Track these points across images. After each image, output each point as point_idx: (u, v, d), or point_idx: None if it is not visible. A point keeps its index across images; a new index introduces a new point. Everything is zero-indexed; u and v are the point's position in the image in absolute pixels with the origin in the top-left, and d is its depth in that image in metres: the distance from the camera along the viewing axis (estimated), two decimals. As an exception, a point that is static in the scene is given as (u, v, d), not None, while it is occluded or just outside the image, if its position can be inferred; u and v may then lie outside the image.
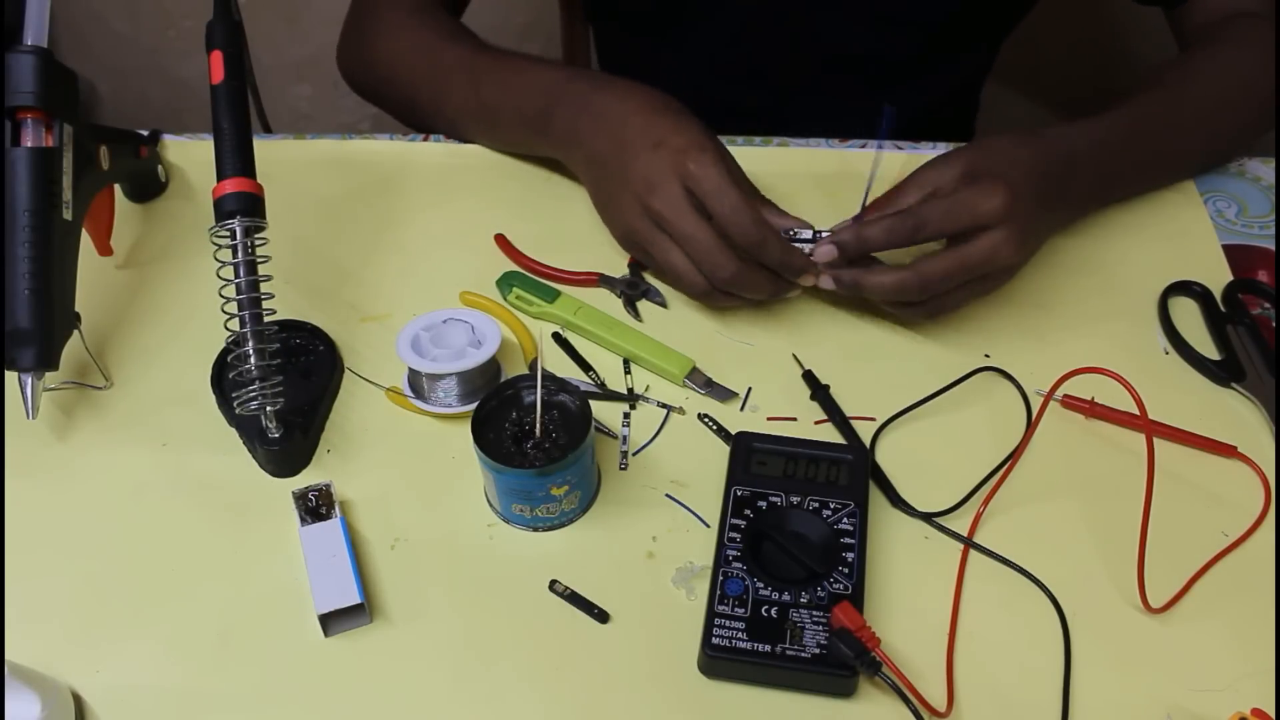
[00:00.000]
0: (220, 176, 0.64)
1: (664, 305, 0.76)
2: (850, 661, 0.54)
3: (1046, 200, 0.69)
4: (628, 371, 0.72)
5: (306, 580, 0.59)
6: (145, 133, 0.84)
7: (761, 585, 0.58)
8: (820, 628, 0.56)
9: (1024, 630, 0.59)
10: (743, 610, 0.57)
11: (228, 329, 0.64)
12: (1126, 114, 0.77)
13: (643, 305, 0.76)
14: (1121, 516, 0.62)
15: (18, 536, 0.63)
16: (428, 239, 0.81)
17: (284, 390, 0.65)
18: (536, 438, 0.62)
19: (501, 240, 0.80)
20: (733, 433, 0.67)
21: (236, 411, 0.64)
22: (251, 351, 0.63)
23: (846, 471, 0.63)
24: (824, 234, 0.69)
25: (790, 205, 0.73)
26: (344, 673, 0.58)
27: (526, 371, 0.69)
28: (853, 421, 0.68)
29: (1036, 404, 0.69)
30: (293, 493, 0.63)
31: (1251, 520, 0.63)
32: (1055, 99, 1.47)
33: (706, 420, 0.69)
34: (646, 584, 0.61)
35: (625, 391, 0.71)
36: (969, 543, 0.62)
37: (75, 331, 0.68)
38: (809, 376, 0.71)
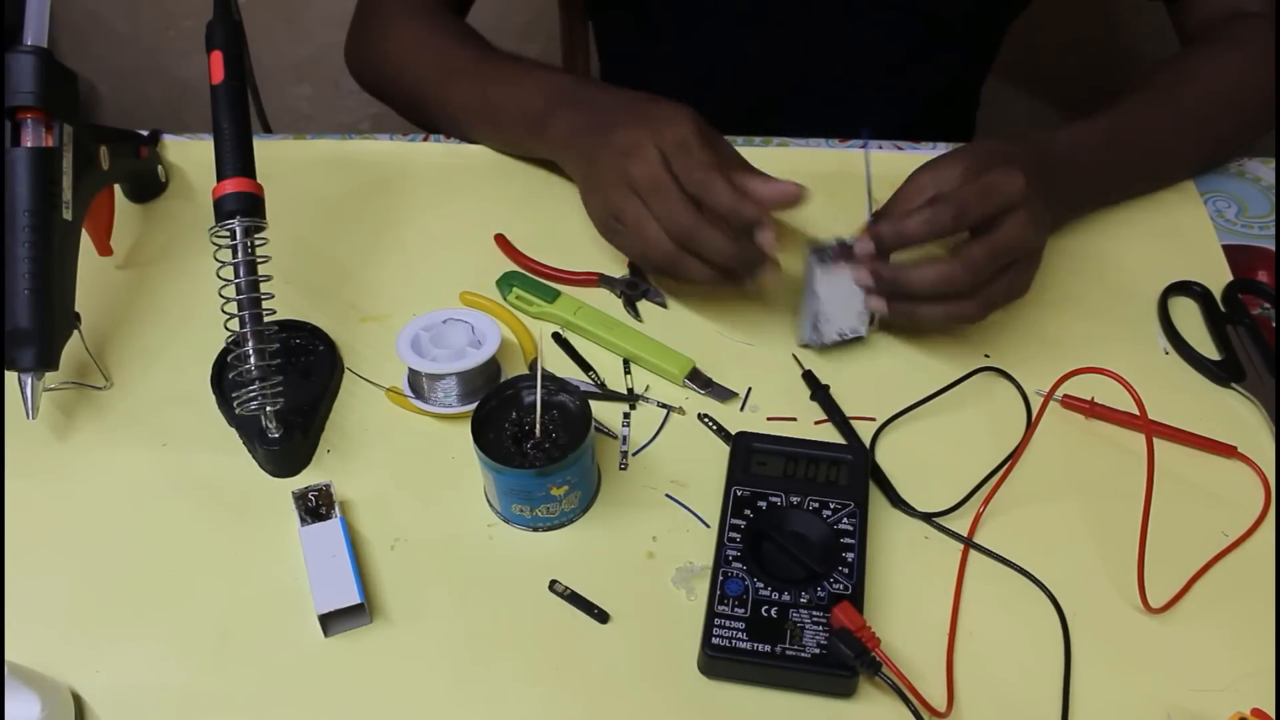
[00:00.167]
0: (220, 176, 0.64)
1: (664, 305, 0.76)
2: (850, 661, 0.54)
3: (1044, 194, 0.69)
4: (628, 371, 0.72)
5: (306, 580, 0.59)
6: (145, 133, 0.84)
7: (761, 585, 0.58)
8: (820, 628, 0.56)
9: (1024, 630, 0.59)
10: (743, 610, 0.57)
11: (228, 329, 0.64)
12: (1115, 117, 0.77)
13: (643, 305, 0.76)
14: (1121, 516, 0.62)
15: (18, 536, 0.63)
16: (428, 239, 0.81)
17: (284, 390, 0.65)
18: (536, 438, 0.62)
19: (501, 240, 0.80)
20: (733, 433, 0.67)
21: (236, 411, 0.64)
22: (251, 351, 0.63)
23: (846, 471, 0.63)
24: (850, 240, 0.69)
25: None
26: (344, 673, 0.58)
27: (526, 371, 0.69)
28: (853, 421, 0.68)
29: (1036, 404, 0.69)
30: (293, 493, 0.63)
31: (1251, 520, 0.63)
32: (1056, 96, 1.47)
33: (706, 420, 0.69)
34: (646, 584, 0.61)
35: (625, 391, 0.71)
36: (969, 543, 0.62)
37: (75, 331, 0.68)
38: (809, 376, 0.71)
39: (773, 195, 0.68)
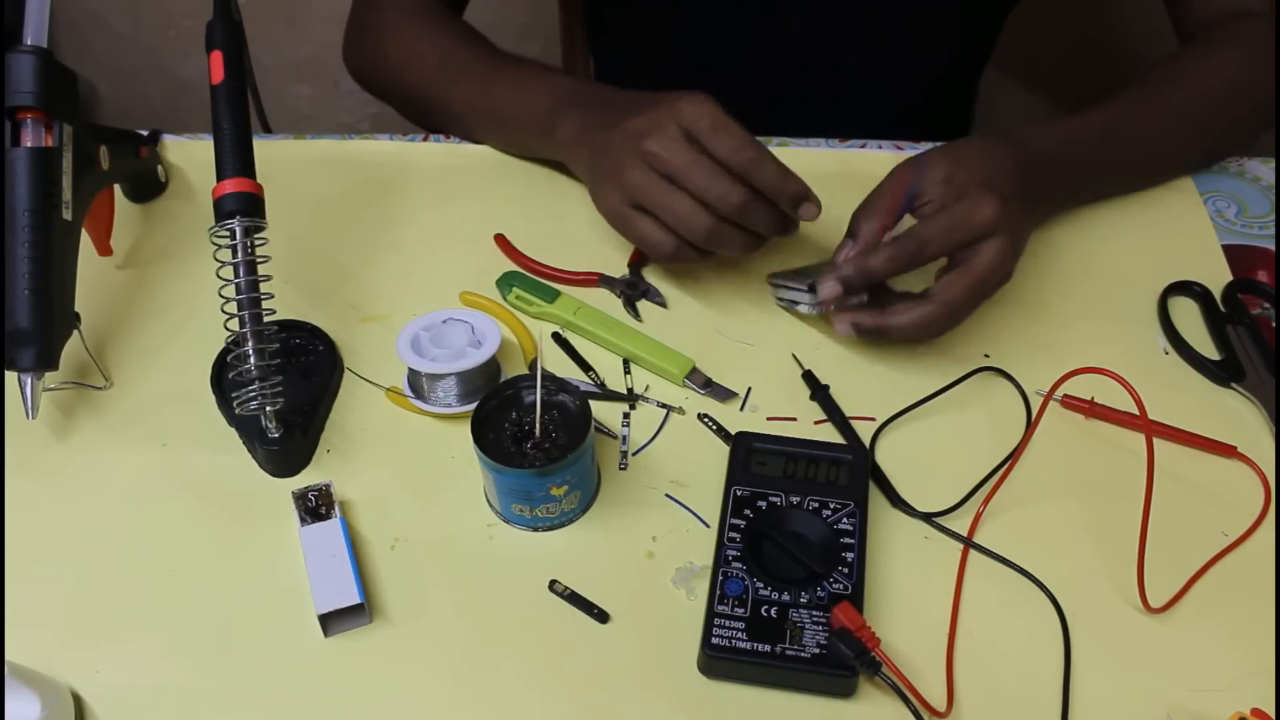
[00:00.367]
0: (220, 176, 0.64)
1: (664, 305, 0.76)
2: (850, 661, 0.54)
3: (1026, 199, 0.70)
4: (627, 371, 0.72)
5: (306, 580, 0.59)
6: (145, 133, 0.84)
7: (761, 585, 0.58)
8: (820, 628, 0.56)
9: (1024, 630, 0.59)
10: (742, 610, 0.57)
11: (228, 329, 0.64)
12: (1108, 111, 0.77)
13: (643, 305, 0.76)
14: (1121, 516, 0.62)
15: (18, 537, 0.63)
16: (428, 239, 0.81)
17: (284, 390, 0.65)
18: (536, 438, 0.62)
19: (501, 240, 0.80)
20: (733, 433, 0.67)
21: (236, 411, 0.64)
22: (251, 351, 0.63)
23: (846, 471, 0.63)
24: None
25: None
26: (344, 673, 0.58)
27: (526, 371, 0.69)
28: (853, 421, 0.68)
29: (1036, 404, 0.69)
30: (293, 493, 0.63)
31: (1251, 520, 0.63)
32: (1054, 90, 1.47)
33: (706, 420, 0.69)
34: (646, 584, 0.61)
35: (625, 391, 0.71)
36: (969, 543, 0.62)
37: (75, 331, 0.68)
38: (809, 376, 0.71)
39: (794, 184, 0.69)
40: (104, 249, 0.77)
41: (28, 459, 0.67)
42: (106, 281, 0.78)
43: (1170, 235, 0.80)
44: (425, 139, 0.89)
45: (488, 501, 0.65)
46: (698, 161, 0.66)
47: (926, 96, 1.00)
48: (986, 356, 0.72)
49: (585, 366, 0.72)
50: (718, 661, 0.56)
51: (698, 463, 0.66)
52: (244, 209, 0.64)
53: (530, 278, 0.77)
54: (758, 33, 0.96)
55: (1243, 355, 0.71)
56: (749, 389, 0.71)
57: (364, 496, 0.65)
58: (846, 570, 0.58)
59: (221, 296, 0.64)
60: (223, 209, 0.64)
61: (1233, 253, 0.78)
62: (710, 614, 0.57)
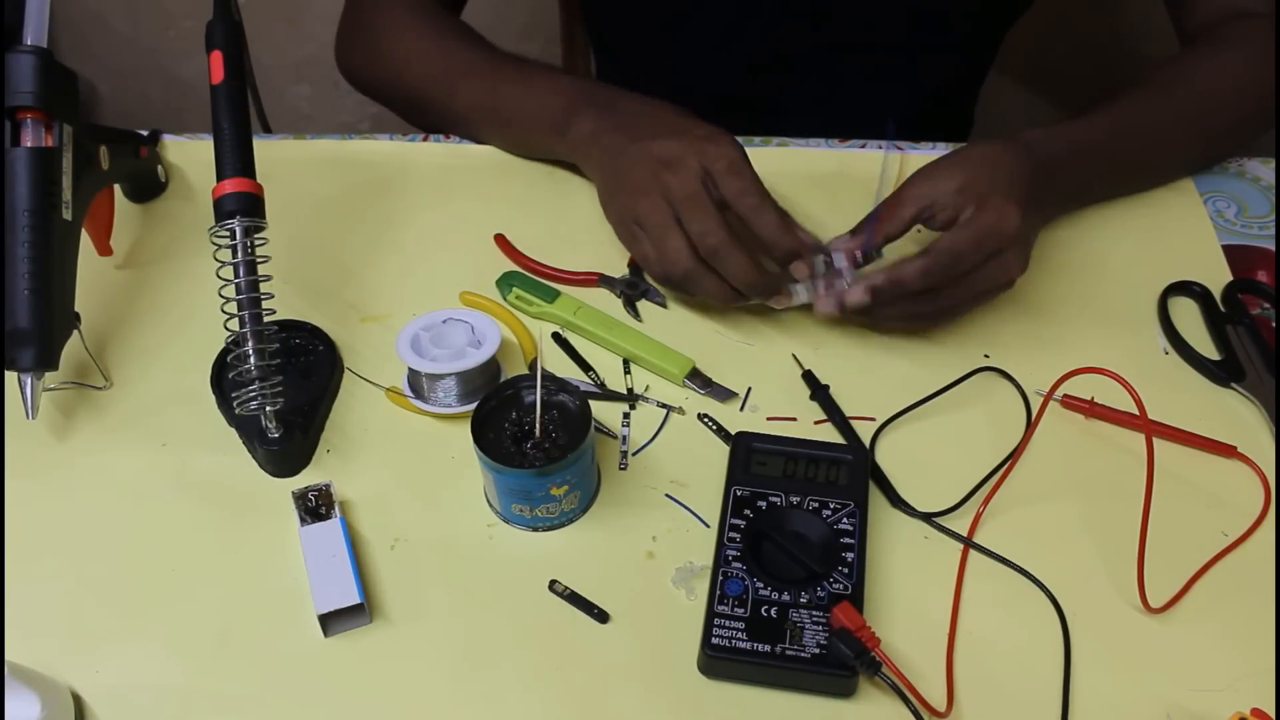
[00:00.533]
0: (220, 176, 0.64)
1: (664, 305, 0.76)
2: (850, 661, 0.54)
3: (1034, 205, 0.70)
4: (627, 371, 0.72)
5: (306, 580, 0.59)
6: (145, 133, 0.84)
7: (761, 585, 0.58)
8: (820, 628, 0.56)
9: (1024, 630, 0.59)
10: (742, 610, 0.57)
11: (228, 329, 0.64)
12: (1108, 115, 0.77)
13: (643, 305, 0.76)
14: (1121, 516, 0.62)
15: (18, 537, 0.63)
16: (428, 239, 0.81)
17: (284, 390, 0.65)
18: (536, 438, 0.62)
19: (501, 240, 0.80)
20: (733, 433, 0.67)
21: (236, 411, 0.64)
22: (251, 351, 0.63)
23: (846, 471, 0.63)
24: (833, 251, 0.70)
25: (790, 205, 0.73)
26: (344, 673, 0.58)
27: (526, 371, 0.69)
28: (853, 421, 0.68)
29: (1036, 404, 0.69)
30: (293, 493, 0.63)
31: (1251, 520, 0.63)
32: (1056, 93, 1.47)
33: (706, 420, 0.69)
34: (646, 584, 0.61)
35: (625, 391, 0.71)
36: (969, 543, 0.62)
37: (75, 331, 0.68)
38: (809, 376, 0.71)
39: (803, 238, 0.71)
40: (104, 249, 0.77)
41: (28, 459, 0.67)
42: (106, 281, 0.78)
43: (1170, 235, 0.80)
44: (425, 139, 0.89)
45: (488, 501, 0.65)
46: (696, 197, 0.68)
47: (928, 105, 1.00)
48: (986, 356, 0.72)
49: (585, 366, 0.72)
50: (718, 661, 0.56)
51: (698, 463, 0.66)
52: (244, 209, 0.64)
53: (530, 278, 0.77)
54: (754, 45, 0.95)
55: (1243, 355, 0.71)
56: (749, 389, 0.71)
57: (364, 496, 0.65)
58: (846, 570, 0.58)
59: (221, 296, 0.64)
60: (223, 209, 0.64)
61: (1233, 253, 0.78)
62: (710, 614, 0.57)
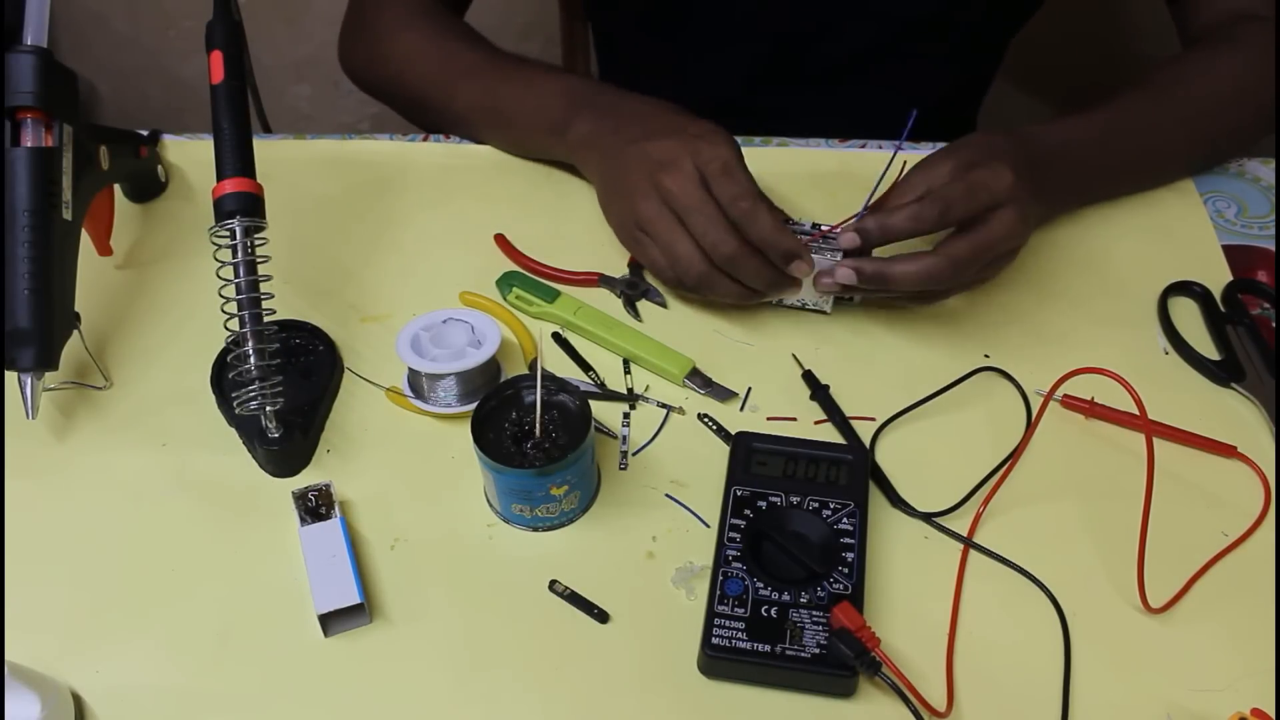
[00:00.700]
0: (220, 176, 0.64)
1: (664, 305, 0.76)
2: (850, 661, 0.54)
3: (1032, 191, 0.70)
4: (628, 371, 0.72)
5: (306, 580, 0.59)
6: (145, 133, 0.84)
7: (761, 585, 0.58)
8: (820, 628, 0.56)
9: (1024, 630, 0.59)
10: (743, 610, 0.57)
11: (228, 329, 0.64)
12: (1111, 113, 0.77)
13: (643, 305, 0.76)
14: (1121, 516, 0.62)
15: (18, 537, 0.63)
16: (427, 239, 0.81)
17: (284, 390, 0.65)
18: (536, 438, 0.62)
19: (501, 240, 0.80)
20: (733, 433, 0.67)
21: (236, 411, 0.64)
22: (251, 351, 0.63)
23: (846, 471, 0.63)
24: (826, 227, 0.70)
25: (790, 205, 0.74)
26: (344, 673, 0.58)
27: (526, 371, 0.69)
28: (853, 421, 0.68)
29: (1036, 404, 0.69)
30: (293, 493, 0.63)
31: (1251, 520, 0.63)
32: (1058, 96, 1.47)
33: (706, 420, 0.69)
34: (646, 584, 0.61)
35: (625, 391, 0.71)
36: (969, 543, 0.62)
37: (75, 331, 0.68)
38: (809, 376, 0.71)
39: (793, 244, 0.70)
40: (104, 249, 0.77)
41: (28, 459, 0.67)
42: (106, 281, 0.78)
43: (1170, 235, 0.80)
44: (425, 139, 0.89)
45: (488, 501, 0.65)
46: (703, 205, 0.68)
47: (931, 113, 1.00)
48: (986, 356, 0.72)
49: (585, 366, 0.72)
50: (718, 661, 0.56)
51: (698, 463, 0.66)
52: (244, 209, 0.64)
53: (530, 278, 0.77)
54: (757, 47, 0.95)
55: (1243, 355, 0.71)
56: (749, 389, 0.71)
57: (364, 496, 0.65)
58: (846, 570, 0.58)
59: (221, 296, 0.64)
60: (223, 209, 0.64)
61: (1233, 253, 0.78)
62: (710, 614, 0.57)
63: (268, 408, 0.64)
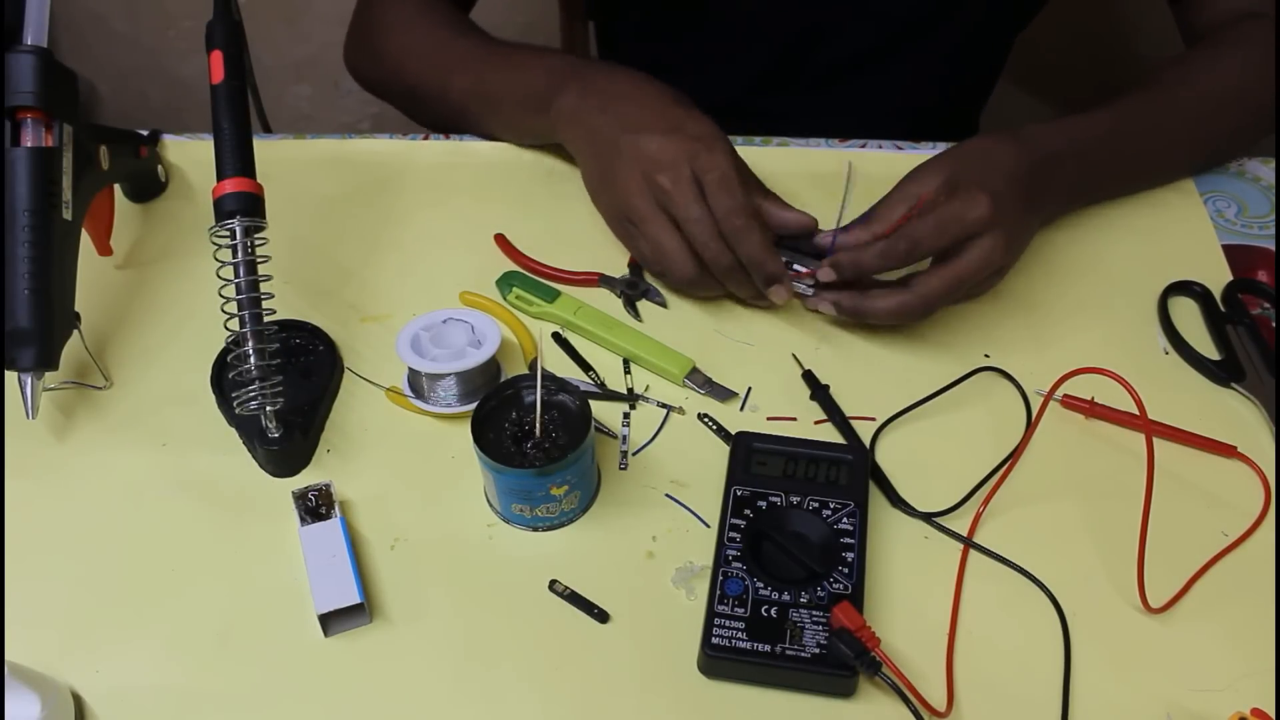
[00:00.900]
0: (220, 176, 0.64)
1: (664, 305, 0.76)
2: (850, 661, 0.54)
3: (1029, 199, 0.70)
4: (628, 371, 0.72)
5: (306, 580, 0.59)
6: (145, 133, 0.84)
7: (761, 585, 0.58)
8: (820, 628, 0.56)
9: (1024, 630, 0.59)
10: (743, 610, 0.57)
11: (228, 329, 0.64)
12: (1113, 112, 0.77)
13: (643, 305, 0.76)
14: (1121, 516, 0.62)
15: (18, 537, 0.63)
16: (427, 239, 0.81)
17: (284, 390, 0.65)
18: (536, 438, 0.62)
19: (501, 240, 0.80)
20: (733, 433, 0.67)
21: (236, 411, 0.64)
22: (251, 351, 0.63)
23: (846, 471, 0.63)
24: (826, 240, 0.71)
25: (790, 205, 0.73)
26: (344, 673, 0.58)
27: (526, 371, 0.69)
28: (853, 421, 0.68)
29: (1036, 404, 0.69)
30: (293, 493, 0.63)
31: (1251, 520, 0.63)
32: (1060, 96, 1.47)
33: (706, 420, 0.69)
34: (646, 584, 0.61)
35: (625, 391, 0.71)
36: (969, 543, 0.62)
37: (75, 331, 0.68)
38: (809, 376, 0.71)
39: (798, 222, 0.72)
40: (104, 249, 0.77)
41: (28, 459, 0.67)
42: (106, 281, 0.78)
43: (1170, 235, 0.80)
44: (425, 138, 0.89)
45: (488, 501, 0.65)
46: (702, 218, 0.69)
47: (933, 115, 1.00)
48: (986, 356, 0.72)
49: (585, 366, 0.72)
50: (718, 661, 0.56)
51: (698, 463, 0.66)
52: (244, 209, 0.64)
53: (530, 278, 0.77)
54: (758, 49, 0.95)
55: (1243, 355, 0.71)
56: (749, 389, 0.71)
57: (364, 496, 0.65)
58: (846, 570, 0.58)
59: (221, 296, 0.64)
60: (223, 209, 0.64)
61: (1233, 253, 0.78)
62: (710, 614, 0.57)
63: (268, 408, 0.64)
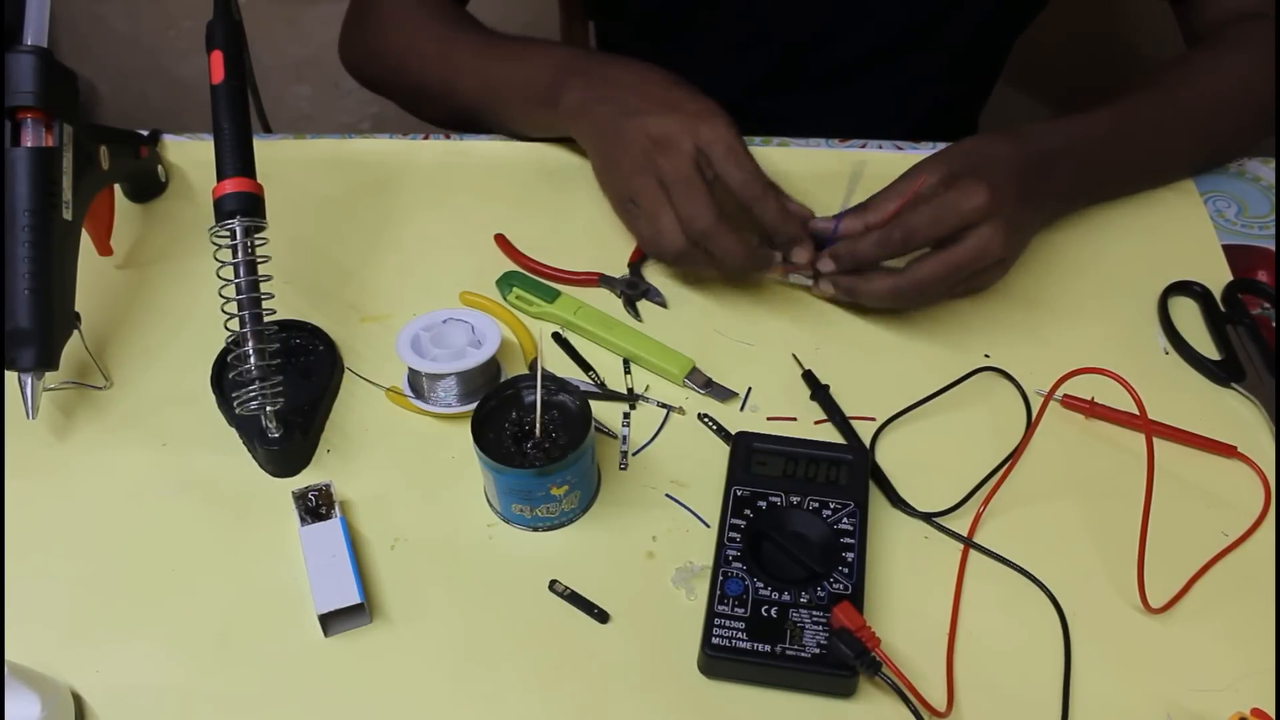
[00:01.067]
0: (220, 176, 0.64)
1: (664, 305, 0.76)
2: (850, 661, 0.54)
3: (1028, 195, 0.70)
4: (628, 371, 0.72)
5: (306, 580, 0.59)
6: (145, 133, 0.84)
7: (761, 585, 0.58)
8: (820, 628, 0.56)
9: (1024, 630, 0.59)
10: (743, 610, 0.57)
11: (228, 329, 0.64)
12: (1113, 111, 0.77)
13: (643, 305, 0.76)
14: (1121, 516, 0.62)
15: (18, 536, 0.63)
16: (428, 239, 0.81)
17: (284, 390, 0.65)
18: (536, 438, 0.62)
19: (501, 240, 0.80)
20: (733, 433, 0.67)
21: (236, 411, 0.64)
22: (251, 351, 0.63)
23: (846, 471, 0.63)
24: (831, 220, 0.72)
25: (790, 205, 0.73)
26: (344, 673, 0.58)
27: (526, 371, 0.69)
28: (853, 421, 0.68)
29: (1036, 404, 0.69)
30: (293, 493, 0.63)
31: (1251, 520, 0.63)
32: (1060, 98, 1.47)
33: (706, 420, 0.69)
34: (646, 584, 0.61)
35: (625, 391, 0.71)
36: (969, 543, 0.62)
37: (75, 331, 0.68)
38: (809, 376, 0.71)
39: (795, 212, 0.72)
40: (104, 249, 0.77)
41: (28, 459, 0.67)
42: (106, 281, 0.78)
43: (1170, 235, 0.80)
44: (426, 138, 0.89)
45: (488, 501, 0.65)
46: (688, 180, 0.68)
47: (933, 118, 1.00)
48: (986, 356, 0.72)
49: (585, 366, 0.72)
50: (718, 661, 0.56)
51: (698, 463, 0.66)
52: (244, 209, 0.64)
53: (530, 278, 0.77)
54: (757, 50, 0.95)
55: (1243, 355, 0.71)
56: (749, 389, 0.71)
57: (364, 496, 0.65)
58: (846, 570, 0.58)
59: (221, 296, 0.64)
60: (223, 209, 0.64)
61: (1233, 253, 0.78)
62: (710, 614, 0.57)
63: (268, 408, 0.64)
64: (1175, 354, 0.72)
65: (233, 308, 0.64)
